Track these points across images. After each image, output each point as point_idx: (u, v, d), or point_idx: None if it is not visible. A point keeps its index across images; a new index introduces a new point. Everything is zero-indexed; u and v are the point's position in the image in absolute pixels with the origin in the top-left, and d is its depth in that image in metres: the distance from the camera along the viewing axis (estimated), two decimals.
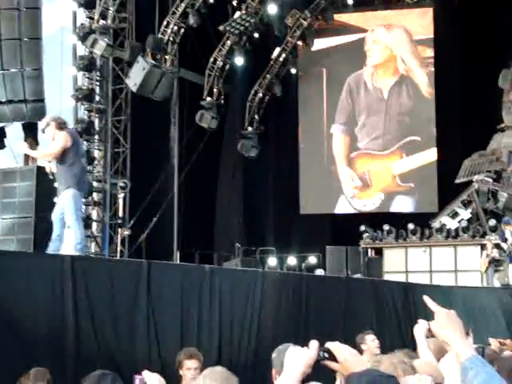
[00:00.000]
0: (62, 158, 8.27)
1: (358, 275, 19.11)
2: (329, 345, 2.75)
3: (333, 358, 2.72)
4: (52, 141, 8.36)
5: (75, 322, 5.72)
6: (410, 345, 5.98)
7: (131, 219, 20.21)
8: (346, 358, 2.73)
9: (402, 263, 20.41)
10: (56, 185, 8.58)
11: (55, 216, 8.38)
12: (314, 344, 2.74)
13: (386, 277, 19.26)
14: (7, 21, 17.06)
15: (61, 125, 8.36)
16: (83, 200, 8.51)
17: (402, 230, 20.78)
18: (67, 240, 8.29)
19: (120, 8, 19.94)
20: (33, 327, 5.53)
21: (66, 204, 8.25)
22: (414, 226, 20.50)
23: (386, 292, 10.57)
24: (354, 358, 2.73)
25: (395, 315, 10.43)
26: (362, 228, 21.24)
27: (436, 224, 20.25)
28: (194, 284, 7.16)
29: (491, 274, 16.96)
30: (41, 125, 8.80)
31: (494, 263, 16.90)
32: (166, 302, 6.65)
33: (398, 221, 21.29)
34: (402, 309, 10.57)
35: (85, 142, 20.20)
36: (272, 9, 21.65)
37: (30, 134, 18.23)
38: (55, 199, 12.86)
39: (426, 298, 2.91)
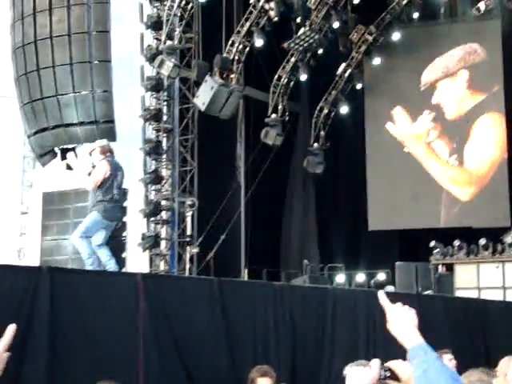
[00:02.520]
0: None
1: (429, 292, 18.78)
2: (390, 363, 2.70)
3: (395, 376, 2.68)
4: (92, 168, 8.67)
5: (155, 339, 5.78)
6: (484, 363, 5.83)
7: (199, 237, 20.35)
8: (409, 377, 2.68)
9: (474, 279, 19.98)
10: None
11: None
12: (375, 363, 2.69)
13: (458, 293, 18.89)
14: (78, 44, 17.48)
15: (106, 152, 8.65)
16: (109, 224, 8.71)
17: (473, 245, 20.37)
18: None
19: (186, 28, 20.25)
20: (107, 342, 5.61)
21: (83, 222, 8.49)
22: (486, 241, 20.08)
23: (458, 309, 10.36)
24: None
25: (468, 333, 10.22)
26: (433, 243, 20.89)
27: (508, 239, 19.78)
28: (264, 301, 7.15)
29: None
30: (89, 148, 9.09)
31: None
32: (238, 320, 6.67)
33: (470, 236, 20.88)
34: (474, 326, 10.35)
35: (153, 162, 20.55)
36: (336, 25, 21.62)
37: (65, 158, 18.55)
38: (124, 218, 13.13)
39: (380, 294, 2.74)
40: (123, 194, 9.92)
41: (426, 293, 18.21)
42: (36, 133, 18.44)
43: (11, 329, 2.38)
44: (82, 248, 8.50)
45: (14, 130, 22.38)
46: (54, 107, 17.79)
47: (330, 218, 24.07)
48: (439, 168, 24.07)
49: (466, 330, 10.19)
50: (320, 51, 22.25)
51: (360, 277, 21.95)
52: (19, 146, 24.21)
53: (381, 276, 21.59)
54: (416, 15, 23.30)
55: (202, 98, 18.97)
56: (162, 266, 20.38)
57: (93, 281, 5.96)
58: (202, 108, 19.10)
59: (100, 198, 8.55)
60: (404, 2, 22.82)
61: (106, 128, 17.84)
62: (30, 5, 17.74)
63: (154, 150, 20.26)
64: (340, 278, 21.68)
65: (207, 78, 18.87)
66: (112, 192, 8.61)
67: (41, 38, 17.60)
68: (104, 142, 9.17)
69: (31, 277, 5.45)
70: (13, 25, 18.21)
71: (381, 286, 20.38)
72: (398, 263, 20.93)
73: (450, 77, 24.00)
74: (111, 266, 8.43)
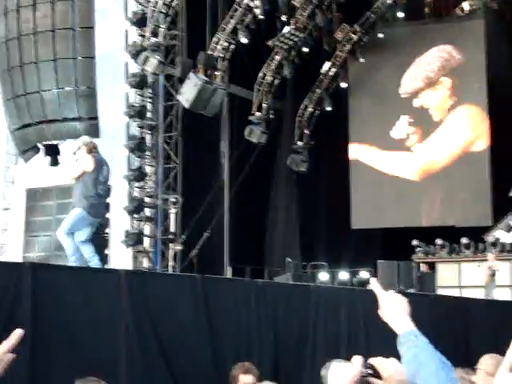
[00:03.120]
0: (79, 179, 8.57)
1: (411, 290, 18.88)
2: (372, 360, 2.71)
3: (377, 374, 2.68)
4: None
5: (137, 336, 5.78)
6: (466, 362, 5.87)
7: (182, 234, 20.33)
8: (391, 375, 2.69)
9: (456, 278, 20.11)
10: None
11: None
12: (357, 360, 2.70)
13: (440, 292, 18.99)
14: (62, 40, 17.43)
15: (92, 149, 8.64)
16: (93, 220, 8.69)
17: (455, 244, 20.49)
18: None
19: (171, 25, 20.20)
20: (90, 339, 5.60)
21: (66, 218, 8.49)
22: (468, 240, 20.20)
23: (440, 307, 10.42)
24: (399, 375, 2.68)
25: (450, 331, 10.27)
26: (415, 242, 21.00)
27: (490, 238, 19.92)
28: (247, 298, 7.17)
29: (493, 287, 16.73)
30: (73, 147, 9.04)
31: (494, 276, 16.73)
32: (221, 317, 6.68)
33: (451, 235, 21.00)
34: (457, 324, 10.41)
35: (137, 159, 20.50)
36: (321, 23, 21.65)
37: (50, 154, 18.54)
38: (107, 215, 13.04)
39: (372, 281, 2.76)
40: (107, 190, 9.90)
41: (408, 291, 18.30)
42: (19, 128, 18.37)
43: (19, 332, 2.38)
44: (67, 244, 8.46)
45: None
46: (38, 103, 17.74)
47: (313, 216, 24.12)
48: (416, 166, 24.23)
49: (447, 329, 10.24)
50: (305, 49, 22.29)
51: (343, 275, 22.02)
52: (2, 142, 24.07)
53: (364, 274, 21.67)
54: (401, 15, 23.39)
55: (186, 95, 18.95)
56: (146, 264, 20.35)
57: (75, 277, 5.94)
58: (186, 105, 19.08)
59: (84, 193, 8.51)
60: (388, 2, 22.90)
61: (89, 124, 17.80)
62: (13, 0, 17.66)
63: (137, 146, 20.20)
64: (323, 275, 21.74)
65: (191, 75, 18.85)
66: (96, 188, 8.58)
67: (24, 34, 17.55)
68: (86, 139, 9.12)
69: (13, 273, 5.43)
70: None
71: (363, 283, 20.46)
72: (379, 261, 21.05)
73: (432, 86, 24.08)
74: (95, 262, 8.41)
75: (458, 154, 23.70)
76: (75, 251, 8.40)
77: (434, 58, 23.89)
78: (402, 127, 24.27)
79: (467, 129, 23.75)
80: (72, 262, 8.36)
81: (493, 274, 16.81)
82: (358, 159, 24.79)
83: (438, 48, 23.86)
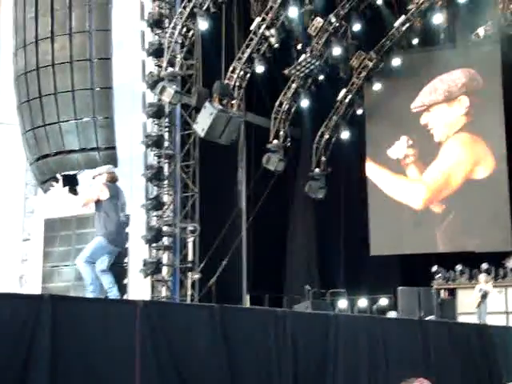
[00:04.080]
0: (97, 208, 8.59)
1: (432, 317, 18.71)
2: None
3: None
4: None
5: (156, 366, 5.76)
6: None
7: (201, 263, 20.31)
8: None
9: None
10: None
11: None
12: None
13: (461, 318, 18.83)
14: (80, 71, 17.59)
15: (113, 179, 8.67)
16: (113, 249, 8.67)
17: (475, 269, 20.31)
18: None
19: (187, 55, 20.38)
20: (108, 370, 5.59)
21: (87, 246, 8.54)
22: (488, 266, 20.03)
23: (461, 334, 10.32)
24: None
25: (471, 357, 10.17)
26: (435, 268, 20.85)
27: (510, 263, 19.74)
28: (265, 328, 7.13)
29: (484, 309, 16.56)
30: (95, 171, 9.03)
31: (486, 297, 16.60)
32: (240, 347, 6.64)
33: (471, 260, 20.83)
34: (478, 351, 10.29)
35: (154, 188, 20.58)
36: (337, 51, 21.75)
37: (69, 184, 18.62)
38: (125, 244, 13.02)
39: None
40: (127, 218, 9.89)
41: (429, 318, 18.14)
42: (38, 159, 18.50)
43: None
44: (86, 273, 8.44)
45: (15, 156, 22.43)
46: (56, 134, 17.87)
47: (332, 242, 24.03)
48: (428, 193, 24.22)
49: (469, 356, 10.14)
50: (321, 77, 22.38)
51: (362, 302, 21.88)
52: (21, 172, 24.24)
53: (383, 301, 21.52)
54: (416, 41, 23.43)
55: (202, 124, 19.02)
56: (164, 292, 20.33)
57: (94, 309, 5.94)
58: (202, 134, 19.14)
59: (105, 220, 8.49)
60: (404, 28, 22.96)
61: (107, 154, 17.88)
62: (32, 33, 17.89)
63: (155, 175, 20.29)
64: (342, 303, 21.60)
65: (206, 104, 18.94)
66: (117, 215, 8.58)
67: (43, 66, 17.73)
68: (111, 168, 9.14)
69: (33, 305, 5.44)
70: (15, 52, 18.35)
71: (383, 311, 20.32)
72: (400, 288, 20.87)
73: (449, 102, 24.09)
74: (113, 293, 8.37)
75: (471, 180, 23.63)
76: (94, 280, 8.37)
77: (459, 76, 23.94)
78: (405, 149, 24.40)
79: (469, 155, 23.75)
80: (90, 291, 8.33)
81: (484, 296, 16.70)
82: (375, 186, 24.73)
83: (463, 69, 23.93)
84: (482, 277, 17.45)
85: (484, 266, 20.09)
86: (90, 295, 8.20)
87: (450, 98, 24.05)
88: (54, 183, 18.91)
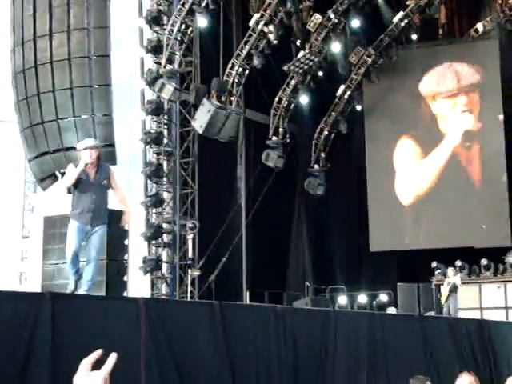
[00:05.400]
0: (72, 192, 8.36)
1: (431, 313, 18.72)
2: None
3: None
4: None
5: (156, 363, 5.76)
6: (488, 382, 5.80)
7: (200, 260, 20.31)
8: None
9: (476, 300, 19.93)
10: (126, 227, 8.67)
11: None
12: None
13: (460, 314, 18.82)
14: (78, 68, 17.55)
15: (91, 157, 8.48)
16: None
17: (474, 265, 20.31)
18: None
19: (186, 52, 20.35)
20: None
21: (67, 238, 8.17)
22: (488, 262, 20.04)
23: (461, 329, 10.32)
24: None
25: (471, 353, 10.17)
26: (434, 264, 20.85)
27: (510, 259, 19.75)
28: (265, 324, 7.13)
29: (453, 302, 16.56)
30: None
31: (455, 291, 16.61)
32: (240, 343, 6.64)
33: (471, 256, 20.83)
34: (478, 346, 10.30)
35: (154, 185, 20.57)
36: (336, 47, 21.74)
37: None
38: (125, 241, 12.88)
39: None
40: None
41: (428, 314, 18.16)
42: (36, 157, 18.46)
43: (114, 356, 2.26)
44: (71, 274, 8.18)
45: (14, 154, 22.43)
46: (55, 131, 17.83)
47: (332, 239, 24.03)
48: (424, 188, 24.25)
49: (470, 350, 10.14)
50: (320, 73, 22.36)
51: (362, 298, 21.89)
52: (20, 170, 24.24)
53: (383, 297, 21.54)
54: (414, 37, 23.41)
55: (200, 121, 19.02)
56: (164, 289, 20.34)
57: (94, 306, 5.94)
58: (200, 131, 19.15)
59: (75, 203, 8.23)
60: (402, 24, 22.93)
61: (106, 152, 17.83)
62: (30, 30, 17.84)
63: (154, 173, 20.30)
64: (342, 299, 21.62)
65: (204, 101, 18.93)
66: (94, 193, 8.26)
67: (41, 63, 17.68)
68: (88, 143, 8.84)
69: (33, 302, 5.44)
70: (13, 50, 18.30)
71: (383, 307, 20.33)
72: (399, 284, 20.89)
73: (448, 97, 24.10)
74: (84, 288, 7.97)
75: (470, 175, 23.64)
76: (77, 277, 8.07)
77: (458, 71, 23.95)
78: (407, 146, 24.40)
79: (469, 150, 23.80)
80: (84, 290, 8.01)
81: (452, 290, 16.70)
82: (375, 181, 24.72)
83: (462, 64, 23.91)
84: (450, 271, 17.44)
85: (483, 261, 20.11)
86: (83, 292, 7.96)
87: (449, 93, 24.06)
88: (53, 181, 18.89)
